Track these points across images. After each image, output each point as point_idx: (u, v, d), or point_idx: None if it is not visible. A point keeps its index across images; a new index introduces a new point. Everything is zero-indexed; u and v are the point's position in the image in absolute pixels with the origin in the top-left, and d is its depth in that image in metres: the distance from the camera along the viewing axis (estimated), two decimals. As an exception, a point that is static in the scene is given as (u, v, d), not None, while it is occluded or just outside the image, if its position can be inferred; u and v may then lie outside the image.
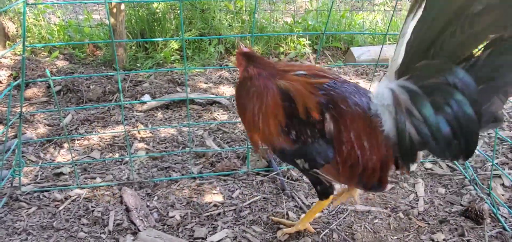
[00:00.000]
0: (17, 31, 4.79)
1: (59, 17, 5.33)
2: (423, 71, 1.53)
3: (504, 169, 2.61)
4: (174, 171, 2.68)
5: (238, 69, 1.92)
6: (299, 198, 2.40)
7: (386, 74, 1.66)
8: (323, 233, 2.13)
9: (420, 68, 1.54)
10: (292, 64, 1.97)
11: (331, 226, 2.18)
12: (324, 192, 1.92)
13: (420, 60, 1.53)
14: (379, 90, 1.67)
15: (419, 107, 1.54)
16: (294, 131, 1.75)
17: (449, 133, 1.49)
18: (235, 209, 2.32)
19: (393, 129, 1.65)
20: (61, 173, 2.66)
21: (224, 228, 2.18)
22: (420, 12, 1.45)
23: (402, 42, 1.53)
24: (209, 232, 2.15)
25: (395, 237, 2.11)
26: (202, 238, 2.11)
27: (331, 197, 1.96)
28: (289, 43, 4.81)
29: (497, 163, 2.60)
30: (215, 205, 2.36)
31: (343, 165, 1.74)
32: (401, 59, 1.56)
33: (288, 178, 2.57)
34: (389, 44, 4.79)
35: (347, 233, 2.14)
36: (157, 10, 4.72)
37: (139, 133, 3.14)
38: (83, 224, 2.20)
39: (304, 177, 2.60)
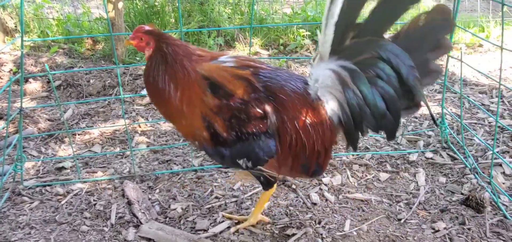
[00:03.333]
0: (16, 26, 4.77)
1: (57, 11, 5.30)
2: (355, 49, 1.58)
3: (505, 157, 2.61)
4: (175, 163, 2.69)
5: (145, 51, 1.83)
6: (299, 189, 2.40)
7: (318, 56, 1.65)
8: (325, 220, 2.14)
9: (351, 47, 1.59)
10: (207, 51, 1.78)
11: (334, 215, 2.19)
12: (268, 182, 1.90)
13: (348, 40, 1.58)
14: (318, 73, 1.66)
15: (359, 85, 1.59)
16: (233, 130, 1.63)
17: (383, 107, 1.59)
18: (236, 201, 2.33)
19: (337, 109, 1.67)
20: (63, 168, 2.67)
21: (225, 220, 2.19)
22: None
23: (330, 24, 1.54)
24: (210, 223, 2.16)
25: (397, 226, 2.12)
26: (204, 230, 2.12)
27: (275, 185, 1.95)
28: (289, 34, 4.79)
29: (497, 152, 2.60)
30: (216, 197, 2.37)
31: (286, 156, 1.69)
32: (331, 40, 1.57)
33: (289, 169, 2.57)
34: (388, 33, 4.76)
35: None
36: (156, 3, 4.70)
37: (140, 127, 3.14)
38: (86, 218, 2.22)
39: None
